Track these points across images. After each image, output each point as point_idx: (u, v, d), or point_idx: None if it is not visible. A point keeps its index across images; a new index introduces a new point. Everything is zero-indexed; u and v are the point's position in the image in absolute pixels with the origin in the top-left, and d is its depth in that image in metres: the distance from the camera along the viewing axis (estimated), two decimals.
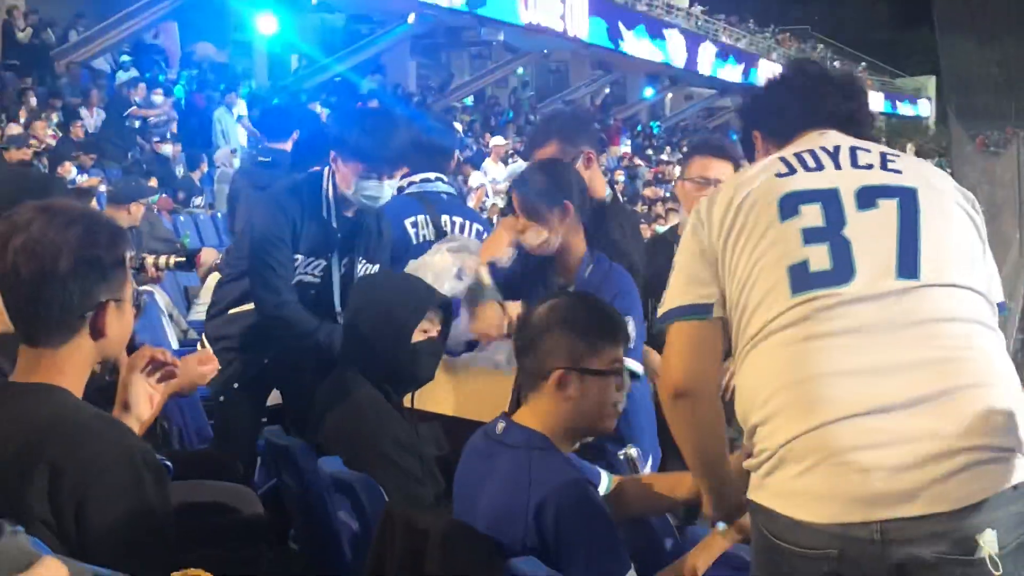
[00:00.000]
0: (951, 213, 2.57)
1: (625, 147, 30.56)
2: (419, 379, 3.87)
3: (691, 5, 39.15)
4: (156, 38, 19.24)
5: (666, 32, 32.77)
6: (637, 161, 29.84)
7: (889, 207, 2.54)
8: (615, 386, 3.09)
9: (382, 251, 4.76)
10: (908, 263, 2.46)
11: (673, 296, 2.70)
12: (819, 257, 2.49)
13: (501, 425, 3.11)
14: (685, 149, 34.27)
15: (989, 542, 2.24)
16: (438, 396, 4.18)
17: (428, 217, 4.96)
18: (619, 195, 5.70)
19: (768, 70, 39.67)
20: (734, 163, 4.73)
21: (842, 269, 2.48)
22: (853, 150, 2.70)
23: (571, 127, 4.99)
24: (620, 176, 26.27)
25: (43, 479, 2.38)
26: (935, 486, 2.27)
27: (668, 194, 25.80)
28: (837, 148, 2.70)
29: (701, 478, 2.85)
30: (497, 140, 22.49)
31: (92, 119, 16.53)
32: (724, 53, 36.85)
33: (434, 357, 3.89)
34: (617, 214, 4.94)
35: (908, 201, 2.54)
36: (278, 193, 4.68)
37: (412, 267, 4.62)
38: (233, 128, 17.39)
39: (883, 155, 2.69)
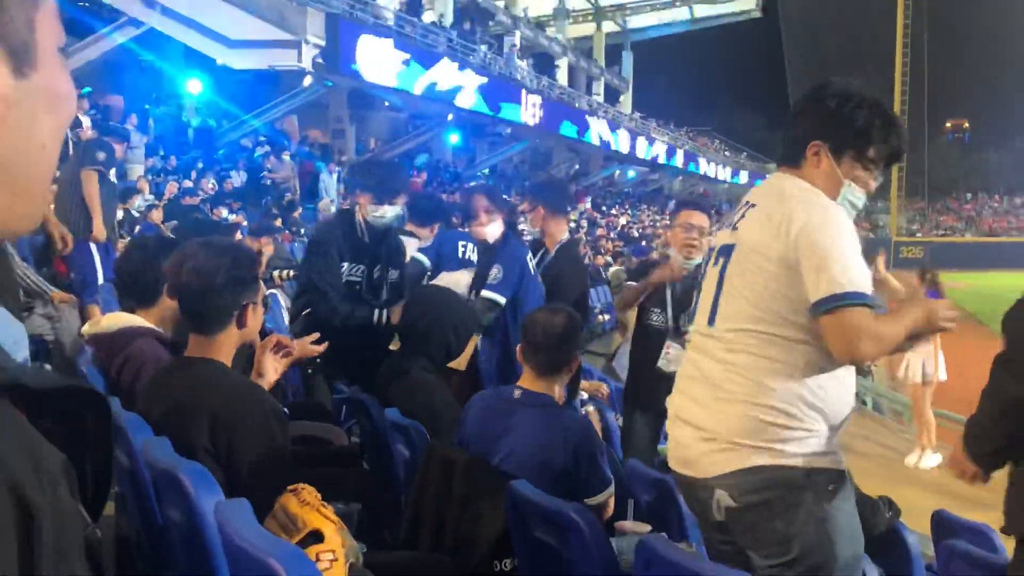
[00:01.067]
0: (746, 267, 2.32)
1: (587, 204, 30.57)
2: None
3: (632, 112, 39.20)
4: (283, 126, 19.23)
5: (618, 130, 32.75)
6: (595, 213, 29.85)
7: (719, 265, 2.41)
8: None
9: (399, 259, 4.80)
10: (713, 314, 2.39)
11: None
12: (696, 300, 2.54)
13: (517, 392, 3.07)
14: (670, 206, 34.60)
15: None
16: None
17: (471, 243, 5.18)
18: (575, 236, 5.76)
19: (683, 157, 39.76)
20: (707, 214, 4.69)
21: (694, 312, 2.52)
22: (744, 205, 2.44)
23: (542, 191, 5.13)
24: (584, 223, 26.28)
25: (205, 421, 2.39)
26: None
27: (614, 234, 25.87)
28: (746, 203, 2.44)
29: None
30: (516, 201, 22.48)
31: (239, 178, 16.51)
32: (653, 144, 36.82)
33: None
34: (569, 249, 5.05)
35: (727, 260, 2.38)
36: (323, 224, 4.87)
37: (445, 280, 4.69)
38: (332, 185, 17.35)
39: (744, 211, 2.41)
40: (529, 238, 5.11)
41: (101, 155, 6.70)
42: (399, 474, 3.49)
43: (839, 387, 2.30)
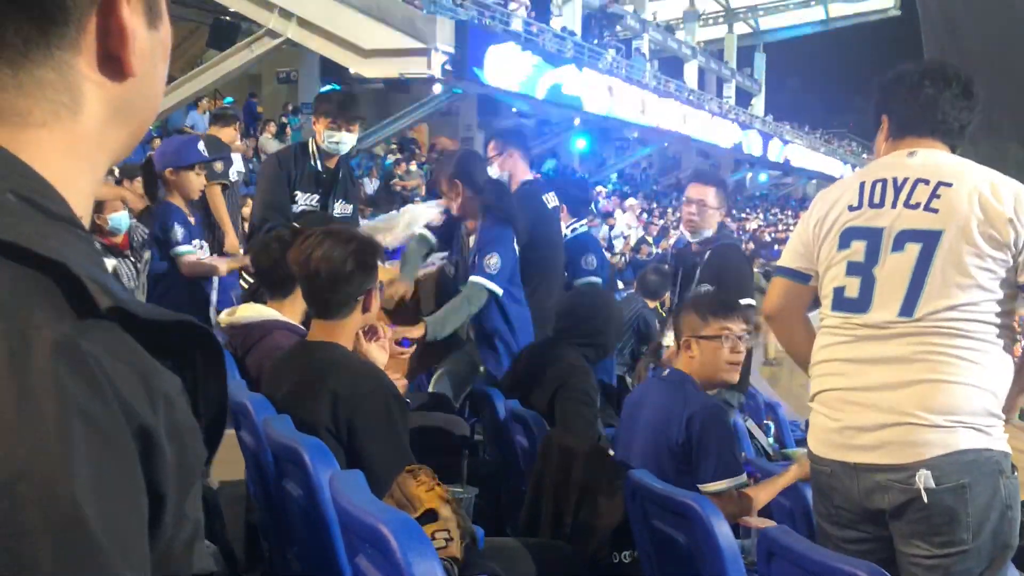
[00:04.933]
0: (961, 255, 2.21)
1: None
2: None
3: (765, 114, 38.35)
4: (413, 132, 19.59)
5: (748, 132, 32.10)
6: (725, 217, 29.27)
7: (912, 251, 2.25)
8: (728, 348, 2.99)
9: (354, 192, 4.74)
10: (909, 304, 2.24)
11: (785, 258, 2.55)
12: (852, 287, 2.34)
13: (667, 371, 3.05)
14: (759, 209, 33.82)
15: None
16: None
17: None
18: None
19: (811, 159, 38.67)
20: (713, 185, 4.39)
21: (864, 301, 2.31)
22: (916, 184, 2.29)
23: (508, 134, 4.93)
24: None
25: (327, 401, 2.43)
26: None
27: (744, 237, 25.38)
28: (905, 181, 2.31)
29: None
30: (631, 201, 22.32)
31: (372, 184, 16.90)
32: (786, 146, 35.91)
33: None
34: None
35: (930, 245, 2.23)
36: (278, 151, 4.88)
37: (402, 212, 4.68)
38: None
39: (934, 191, 2.28)
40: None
41: (219, 166, 6.46)
42: (519, 463, 3.48)
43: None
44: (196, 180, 4.12)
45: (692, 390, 2.90)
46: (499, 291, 3.98)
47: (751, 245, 22.67)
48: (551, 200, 4.82)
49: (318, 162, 4.51)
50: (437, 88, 17.28)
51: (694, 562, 2.33)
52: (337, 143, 4.44)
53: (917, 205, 2.27)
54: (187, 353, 0.66)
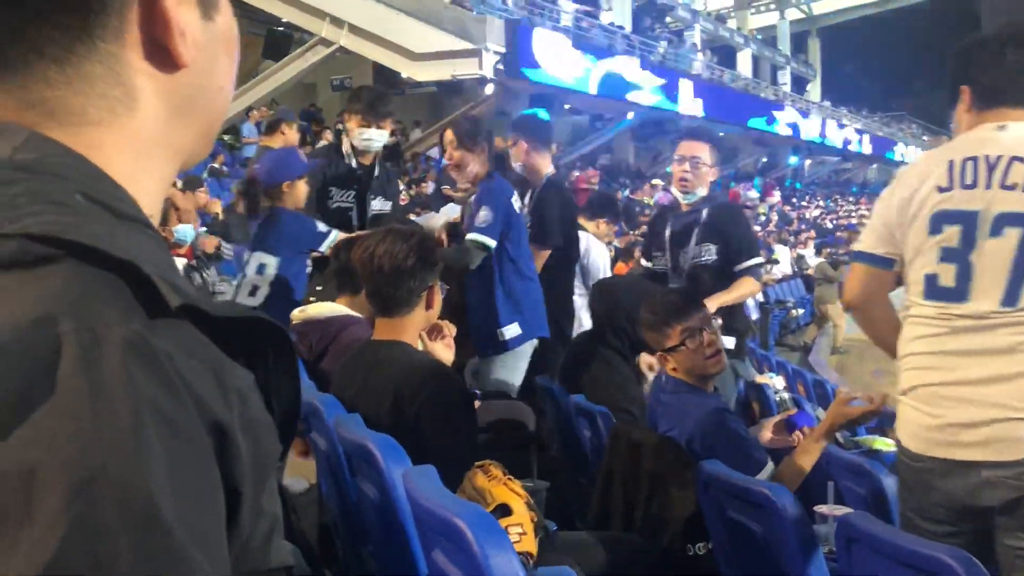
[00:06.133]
0: None
1: (777, 197, 29.70)
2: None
3: (822, 100, 37.72)
4: None
5: (805, 119, 31.61)
6: (785, 206, 28.93)
7: (1012, 236, 2.11)
8: (698, 344, 2.96)
9: (391, 189, 4.73)
10: (1012, 293, 2.10)
11: (865, 242, 2.36)
12: (947, 274, 2.19)
13: (664, 377, 3.03)
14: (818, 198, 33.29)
15: None
16: None
17: None
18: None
19: (875, 143, 37.94)
20: (709, 143, 4.18)
21: (961, 290, 2.17)
22: (1011, 163, 2.14)
23: (523, 125, 4.81)
24: (775, 216, 25.56)
25: (391, 398, 2.44)
26: None
27: (803, 225, 25.01)
28: (998, 159, 2.15)
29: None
30: None
31: (428, 186, 17.00)
32: (844, 131, 35.28)
33: None
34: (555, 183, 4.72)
35: None
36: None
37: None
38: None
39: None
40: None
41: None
42: (587, 458, 3.47)
43: None
44: (305, 189, 4.20)
45: (689, 400, 2.91)
46: (491, 242, 3.91)
47: (812, 234, 22.34)
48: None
49: (352, 159, 4.57)
50: (489, 88, 17.31)
51: (771, 552, 2.29)
52: (368, 140, 4.50)
53: (1014, 186, 2.13)
54: (259, 350, 0.65)
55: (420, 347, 2.71)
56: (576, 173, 18.97)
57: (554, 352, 4.25)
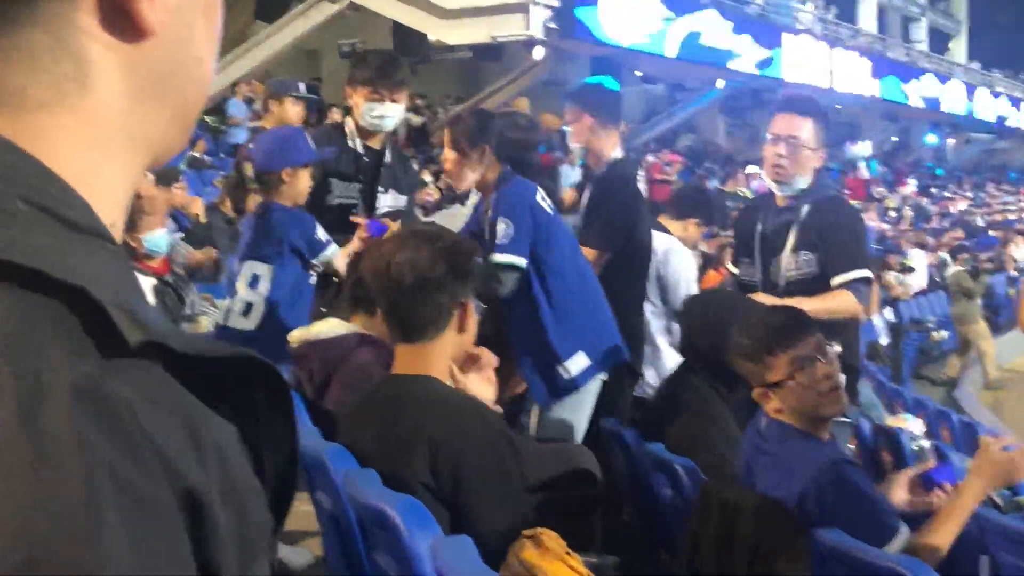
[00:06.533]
0: None
1: (912, 187, 29.41)
2: None
3: (969, 61, 37.29)
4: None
5: (947, 84, 31.29)
6: (922, 197, 28.62)
7: None
8: (820, 374, 2.93)
9: (408, 181, 4.73)
10: None
11: None
12: None
13: (764, 421, 3.01)
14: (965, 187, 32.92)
15: None
16: None
17: None
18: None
19: None
20: (812, 117, 4.09)
21: None
22: None
23: (587, 95, 4.79)
24: (908, 211, 25.31)
25: (422, 451, 2.44)
26: None
27: (947, 223, 24.73)
28: None
29: None
30: None
31: None
32: (998, 101, 34.85)
33: None
34: (621, 168, 4.69)
35: None
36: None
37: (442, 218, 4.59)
38: (570, 176, 17.64)
39: None
40: None
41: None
42: (667, 524, 3.45)
43: None
44: (308, 182, 4.18)
45: (798, 450, 2.87)
46: (520, 261, 3.89)
47: (959, 234, 22.05)
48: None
49: (357, 142, 4.55)
50: (538, 53, 17.35)
51: None
52: (380, 117, 4.48)
53: None
54: (245, 394, 0.65)
55: (450, 382, 2.71)
56: (651, 158, 19.01)
57: (620, 385, 4.22)
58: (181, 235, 7.43)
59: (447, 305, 2.61)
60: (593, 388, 4.01)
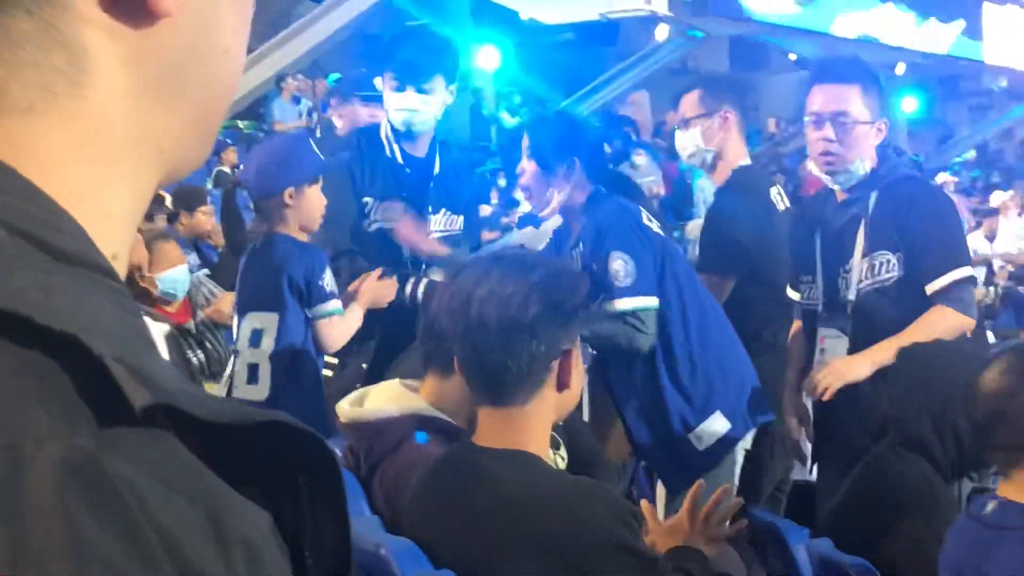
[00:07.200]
0: None
1: None
2: None
3: None
4: (625, 108, 19.82)
5: None
6: None
7: None
8: None
9: (463, 194, 4.76)
10: None
11: None
12: None
13: (991, 505, 2.91)
14: None
15: None
16: None
17: None
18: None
19: None
20: (860, 83, 4.04)
21: None
22: None
23: (729, 88, 4.85)
24: None
25: (534, 558, 2.41)
26: None
27: None
28: None
29: None
30: (1002, 195, 21.61)
31: None
32: None
33: None
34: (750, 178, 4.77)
35: None
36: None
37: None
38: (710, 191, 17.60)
39: None
40: None
41: None
42: None
43: None
44: (321, 200, 4.13)
45: None
46: (653, 302, 3.92)
47: None
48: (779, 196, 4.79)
49: (395, 149, 4.53)
50: (662, 32, 17.42)
51: None
52: (405, 112, 4.42)
53: None
54: (283, 473, 0.65)
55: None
56: (811, 168, 18.90)
57: (767, 455, 4.23)
58: (206, 272, 7.53)
59: (544, 356, 2.54)
60: (735, 462, 3.99)
